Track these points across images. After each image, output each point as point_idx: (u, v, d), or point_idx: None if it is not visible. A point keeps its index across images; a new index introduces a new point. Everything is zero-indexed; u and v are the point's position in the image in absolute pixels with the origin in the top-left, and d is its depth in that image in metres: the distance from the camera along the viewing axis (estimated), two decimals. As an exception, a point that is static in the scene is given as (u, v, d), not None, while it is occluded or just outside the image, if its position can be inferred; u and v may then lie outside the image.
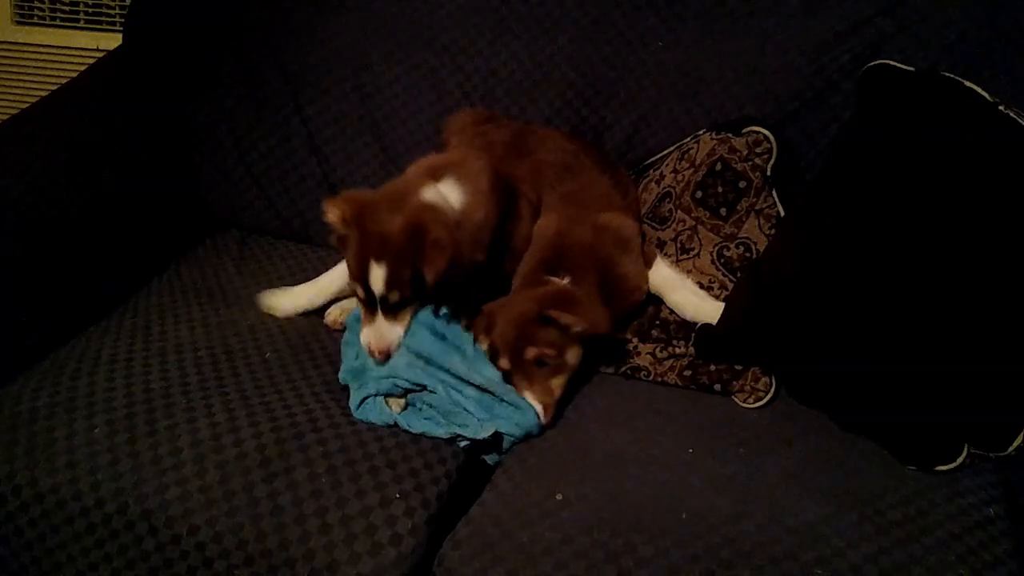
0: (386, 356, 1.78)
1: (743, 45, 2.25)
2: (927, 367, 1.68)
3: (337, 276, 2.08)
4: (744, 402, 1.87)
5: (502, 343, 1.81)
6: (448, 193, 1.88)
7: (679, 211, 2.04)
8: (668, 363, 1.94)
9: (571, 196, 2.10)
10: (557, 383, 1.82)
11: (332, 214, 1.80)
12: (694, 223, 2.01)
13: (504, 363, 1.81)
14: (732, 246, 1.97)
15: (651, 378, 1.93)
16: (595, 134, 2.38)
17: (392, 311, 1.78)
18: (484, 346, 1.83)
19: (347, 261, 1.81)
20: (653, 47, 2.33)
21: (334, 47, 2.52)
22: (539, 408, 1.78)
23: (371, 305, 1.78)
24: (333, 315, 2.08)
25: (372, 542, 1.51)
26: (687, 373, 1.91)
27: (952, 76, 1.76)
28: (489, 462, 1.79)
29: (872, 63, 1.94)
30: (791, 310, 1.81)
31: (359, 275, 1.75)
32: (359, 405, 1.75)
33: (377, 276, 1.73)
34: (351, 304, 2.02)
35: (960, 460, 1.67)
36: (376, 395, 1.75)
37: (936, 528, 1.52)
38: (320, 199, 2.46)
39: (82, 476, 1.60)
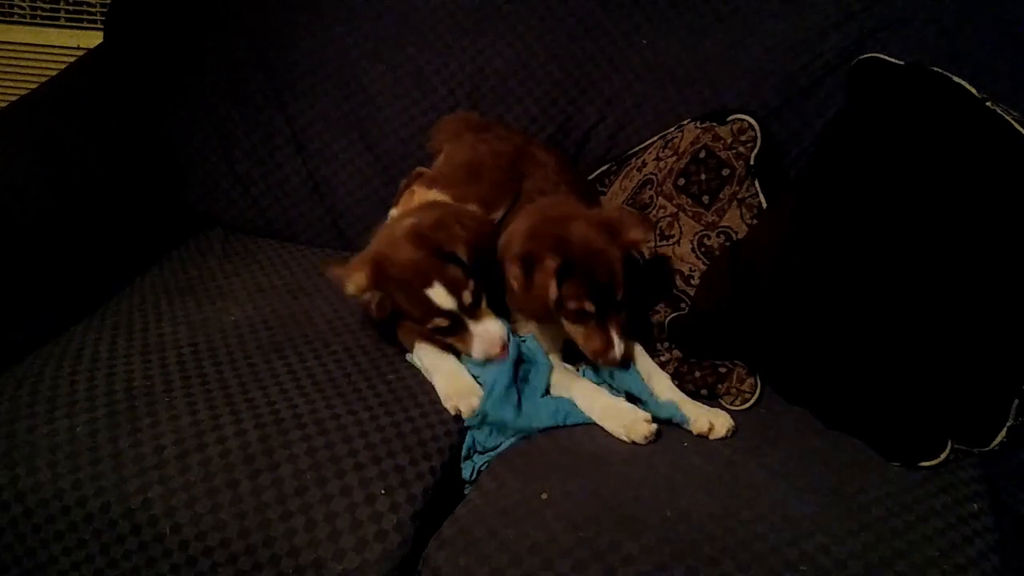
0: (505, 347, 1.81)
1: (727, 42, 2.25)
2: (910, 362, 1.69)
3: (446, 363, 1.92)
4: (731, 405, 1.88)
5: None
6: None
7: (660, 198, 2.04)
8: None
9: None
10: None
11: (352, 284, 1.81)
12: (675, 210, 2.00)
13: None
14: (713, 235, 1.95)
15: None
16: (580, 131, 2.38)
17: (475, 314, 1.81)
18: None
19: (407, 312, 1.81)
20: (638, 44, 2.33)
21: (317, 44, 2.51)
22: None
23: (457, 324, 1.80)
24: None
25: (357, 538, 1.50)
26: (673, 381, 1.91)
27: (941, 71, 1.77)
28: (464, 474, 1.79)
29: (863, 56, 1.95)
30: (773, 300, 1.81)
31: (427, 308, 1.77)
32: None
33: (440, 292, 1.75)
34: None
35: (944, 456, 1.68)
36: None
37: (920, 524, 1.53)
38: (304, 197, 2.49)
39: (63, 475, 1.59)
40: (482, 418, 1.78)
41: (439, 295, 1.75)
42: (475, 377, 1.84)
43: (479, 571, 1.44)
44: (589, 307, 1.77)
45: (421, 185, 2.12)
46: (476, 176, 2.09)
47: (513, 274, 1.79)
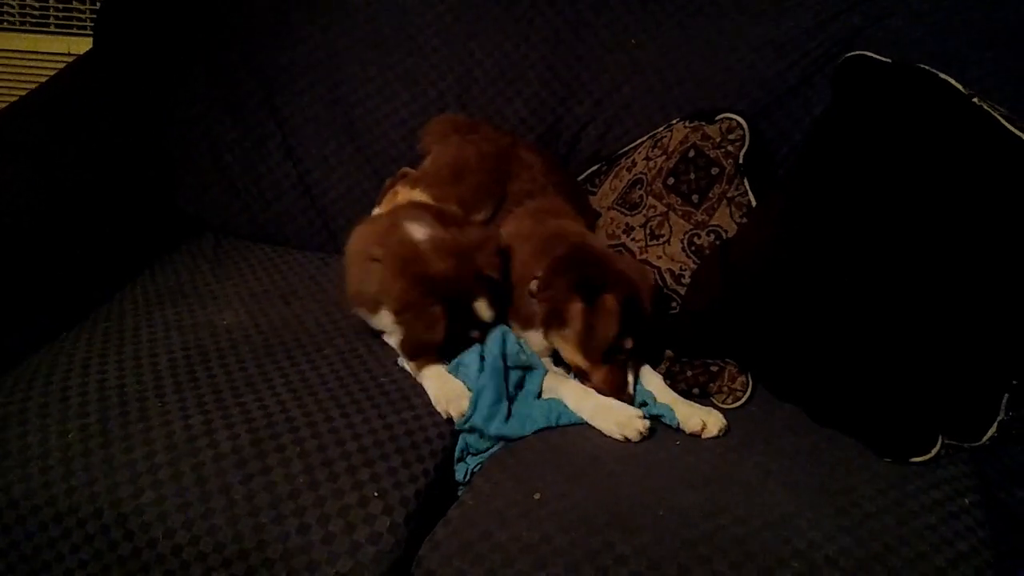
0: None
1: (715, 42, 2.26)
2: (900, 358, 1.69)
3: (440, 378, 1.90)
4: (723, 403, 1.88)
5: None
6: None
7: (650, 197, 2.04)
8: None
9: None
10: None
11: (392, 300, 1.85)
12: (665, 209, 2.01)
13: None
14: (703, 234, 1.96)
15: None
16: (570, 132, 2.39)
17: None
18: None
19: (450, 321, 1.80)
20: (626, 44, 2.34)
21: (308, 49, 2.51)
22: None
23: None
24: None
25: (351, 541, 1.50)
26: (665, 381, 1.92)
27: (927, 68, 1.78)
28: (458, 477, 1.79)
29: (850, 54, 1.95)
30: (763, 298, 1.82)
31: (468, 321, 1.83)
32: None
33: (484, 306, 1.83)
34: None
35: (935, 451, 1.68)
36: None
37: (911, 519, 1.53)
38: (295, 201, 2.49)
39: (55, 481, 1.58)
40: (471, 427, 1.78)
41: (483, 308, 1.82)
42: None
43: (473, 572, 1.44)
44: (629, 344, 1.79)
45: (405, 185, 2.13)
46: (459, 177, 2.10)
47: (575, 312, 1.80)
